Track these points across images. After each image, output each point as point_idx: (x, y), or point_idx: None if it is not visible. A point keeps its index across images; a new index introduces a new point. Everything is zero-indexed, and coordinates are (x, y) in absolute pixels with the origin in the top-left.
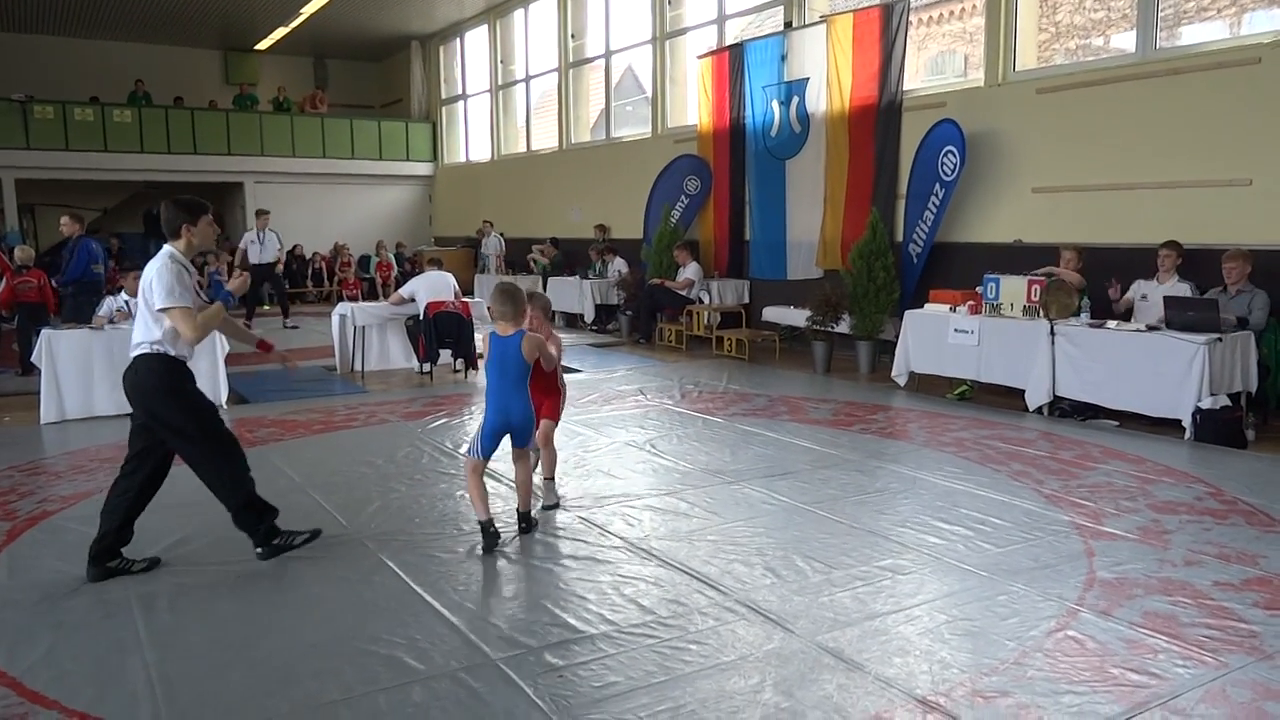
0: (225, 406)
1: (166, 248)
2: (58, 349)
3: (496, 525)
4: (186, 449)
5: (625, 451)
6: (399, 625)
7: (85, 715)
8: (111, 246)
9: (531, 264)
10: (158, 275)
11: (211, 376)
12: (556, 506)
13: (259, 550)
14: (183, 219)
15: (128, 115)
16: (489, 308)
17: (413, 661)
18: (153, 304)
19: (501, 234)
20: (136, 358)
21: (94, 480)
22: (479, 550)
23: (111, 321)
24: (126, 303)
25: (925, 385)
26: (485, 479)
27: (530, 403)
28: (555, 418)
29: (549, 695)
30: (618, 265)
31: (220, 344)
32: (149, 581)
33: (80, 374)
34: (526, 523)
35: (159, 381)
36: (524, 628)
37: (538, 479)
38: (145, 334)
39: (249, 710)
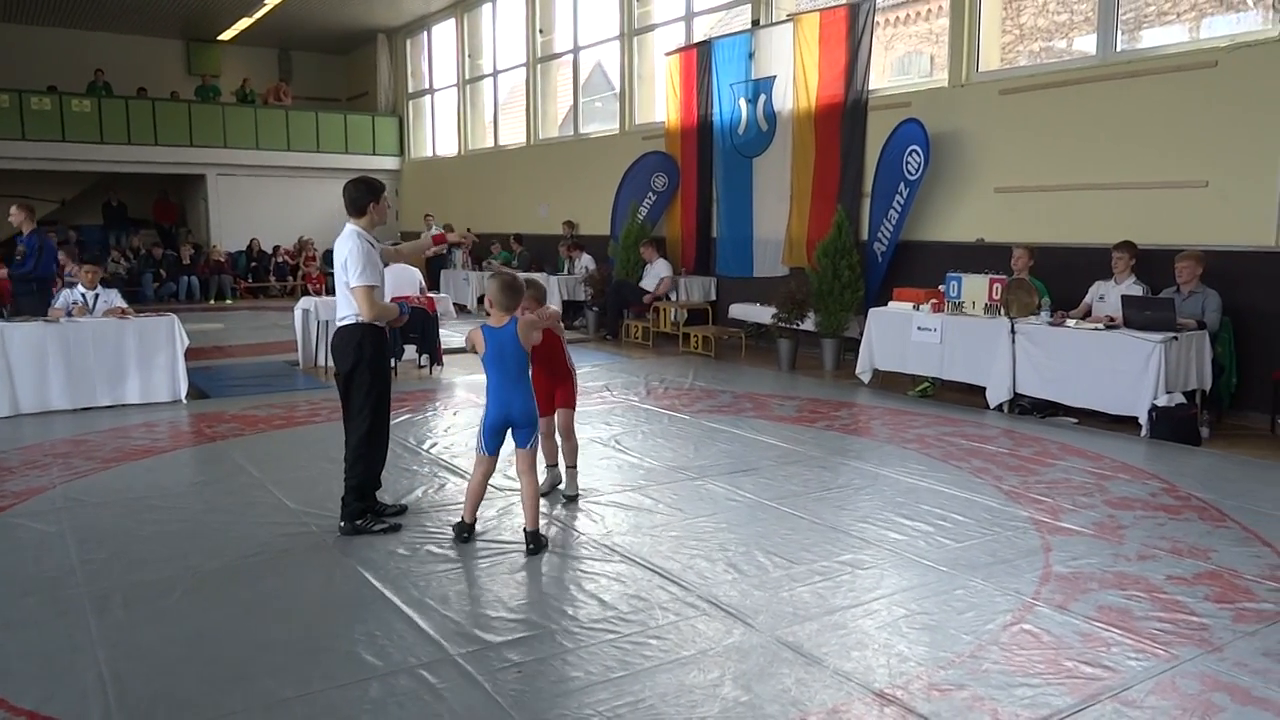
0: (184, 401)
1: (351, 226)
2: (11, 342)
3: (475, 530)
4: (351, 406)
5: (590, 448)
6: (358, 622)
7: (34, 714)
8: (69, 238)
9: (489, 262)
10: (351, 255)
11: (170, 371)
12: (577, 498)
13: (341, 524)
14: (369, 197)
15: (86, 105)
16: (488, 299)
17: (371, 658)
18: (348, 281)
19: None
20: (339, 328)
21: (47, 476)
22: (438, 547)
23: (69, 314)
24: (83, 295)
25: (889, 382)
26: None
27: (532, 396)
28: (571, 405)
29: (508, 691)
30: (585, 262)
31: (179, 338)
32: (103, 580)
33: (35, 368)
34: (535, 543)
35: (353, 347)
36: (484, 624)
37: (545, 472)
38: (347, 307)
39: (202, 708)
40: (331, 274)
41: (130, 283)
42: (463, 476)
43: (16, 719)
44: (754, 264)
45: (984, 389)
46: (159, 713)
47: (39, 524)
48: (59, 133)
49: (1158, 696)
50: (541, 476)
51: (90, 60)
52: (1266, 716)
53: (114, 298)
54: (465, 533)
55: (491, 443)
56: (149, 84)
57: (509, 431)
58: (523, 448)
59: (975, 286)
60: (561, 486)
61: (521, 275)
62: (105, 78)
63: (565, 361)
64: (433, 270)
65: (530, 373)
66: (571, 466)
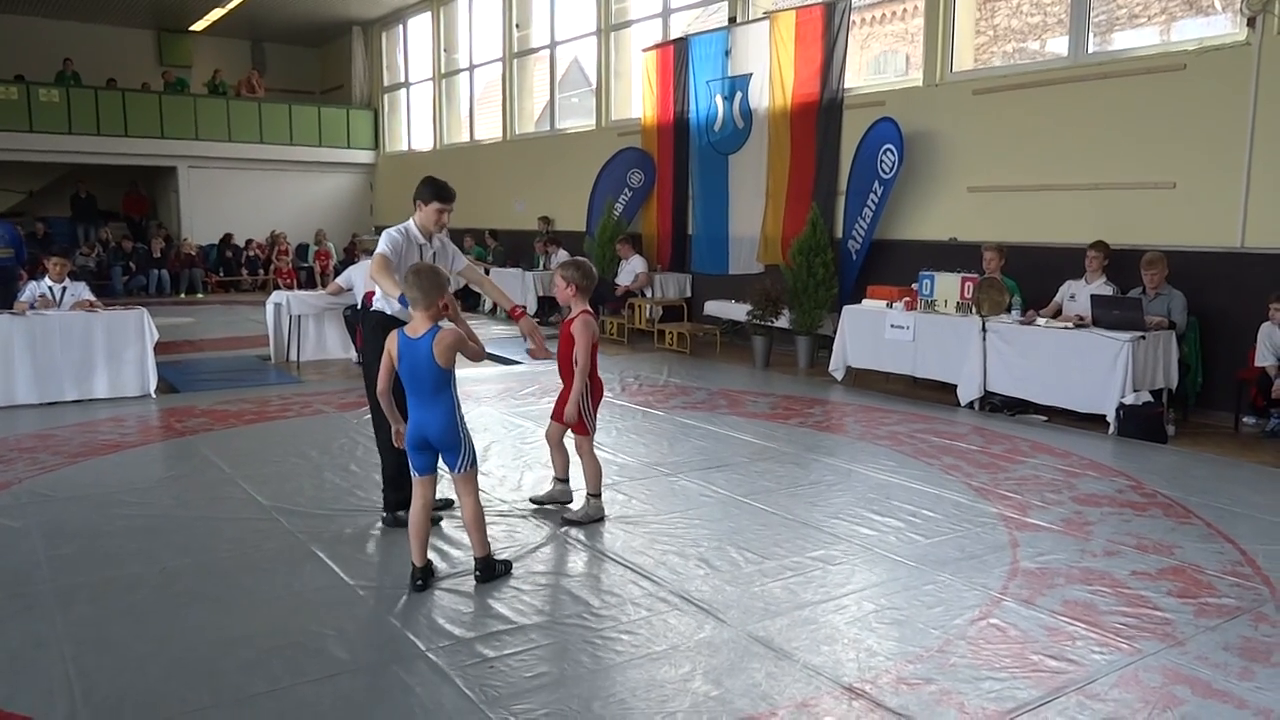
0: (154, 395)
1: (411, 219)
2: None
3: (435, 569)
4: (371, 398)
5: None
6: (328, 617)
7: None
8: (37, 231)
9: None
10: (379, 242)
11: (139, 365)
12: (577, 524)
13: (384, 515)
14: (419, 196)
15: (55, 95)
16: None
17: (341, 653)
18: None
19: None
20: (374, 312)
21: (12, 471)
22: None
23: (33, 307)
24: (50, 288)
25: (862, 380)
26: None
27: (451, 415)
28: (560, 418)
29: (479, 686)
30: (560, 258)
31: (149, 332)
32: (70, 575)
33: (1, 361)
34: (483, 570)
35: (370, 333)
36: (455, 618)
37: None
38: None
39: (170, 704)
40: (305, 267)
41: (99, 276)
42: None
43: None
44: (729, 261)
45: (955, 386)
46: (126, 709)
47: (4, 519)
48: (26, 123)
49: (1121, 689)
50: (546, 487)
51: (59, 50)
52: (1226, 708)
53: (82, 291)
54: (419, 579)
55: (419, 461)
56: (119, 75)
57: (440, 453)
58: (454, 473)
59: (947, 285)
60: (571, 506)
61: (576, 259)
62: (74, 67)
63: (570, 366)
64: None
65: (453, 386)
66: (594, 494)
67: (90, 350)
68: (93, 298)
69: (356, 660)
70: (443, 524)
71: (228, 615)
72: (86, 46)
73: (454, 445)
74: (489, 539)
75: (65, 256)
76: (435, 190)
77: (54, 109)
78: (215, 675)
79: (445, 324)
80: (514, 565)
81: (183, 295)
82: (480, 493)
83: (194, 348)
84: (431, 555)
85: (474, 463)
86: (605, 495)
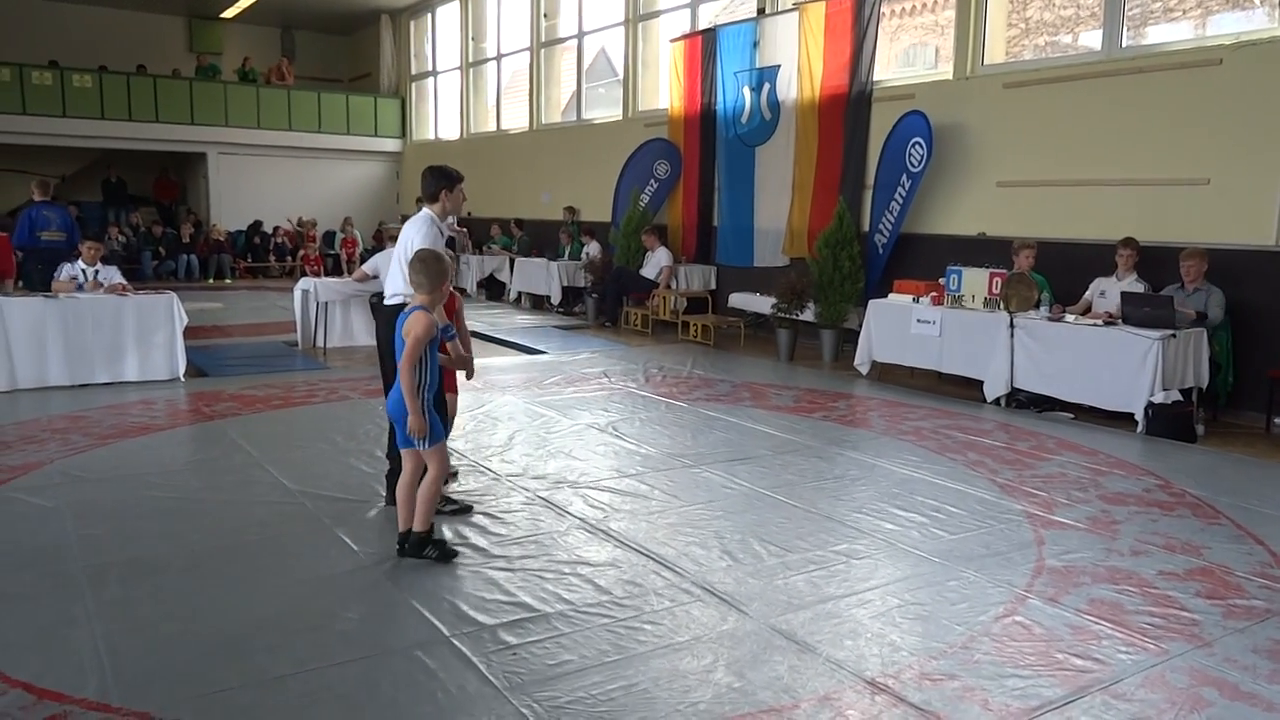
0: (183, 379)
1: (425, 210)
2: (10, 317)
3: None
4: (387, 389)
5: (587, 434)
6: (353, 600)
7: (29, 685)
8: (70, 214)
9: (489, 246)
10: (419, 234)
11: (168, 349)
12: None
13: (385, 499)
14: (441, 184)
15: (88, 80)
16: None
17: (366, 637)
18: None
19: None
20: (386, 306)
21: (44, 451)
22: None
23: (80, 288)
24: (84, 271)
25: (887, 374)
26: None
27: (399, 392)
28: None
29: (502, 672)
30: (590, 248)
31: (178, 316)
32: (100, 555)
33: (34, 343)
34: (410, 545)
35: (385, 326)
36: (479, 605)
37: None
38: (397, 286)
39: (198, 683)
40: (332, 254)
41: (129, 260)
42: (458, 454)
43: (13, 691)
44: (754, 253)
45: (982, 382)
46: (155, 686)
47: (36, 499)
48: (59, 108)
49: (1147, 690)
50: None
51: (91, 35)
52: (1254, 711)
53: (113, 274)
54: (400, 543)
55: (395, 434)
56: (150, 61)
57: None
58: (400, 443)
59: (975, 280)
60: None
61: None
62: (108, 65)
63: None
64: None
65: (420, 366)
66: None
67: (120, 333)
68: (124, 281)
69: (381, 644)
70: (472, 513)
71: (254, 597)
72: (118, 32)
73: (397, 419)
74: (432, 518)
75: (98, 240)
76: (450, 174)
77: (87, 94)
78: (242, 656)
79: (430, 313)
80: (532, 555)
81: (211, 281)
82: (503, 480)
83: (222, 333)
84: (459, 543)
85: (433, 441)
86: (628, 484)
